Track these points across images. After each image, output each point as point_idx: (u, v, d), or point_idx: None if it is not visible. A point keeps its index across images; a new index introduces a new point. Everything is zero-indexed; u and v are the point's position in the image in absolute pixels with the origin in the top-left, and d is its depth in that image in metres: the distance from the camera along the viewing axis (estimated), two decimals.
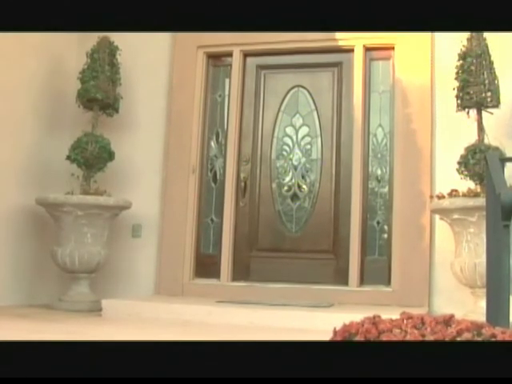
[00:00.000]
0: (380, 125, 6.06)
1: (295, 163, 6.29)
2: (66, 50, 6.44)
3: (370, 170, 6.03)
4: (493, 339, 2.06)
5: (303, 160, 6.28)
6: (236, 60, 6.38)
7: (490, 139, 5.20)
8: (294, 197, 6.27)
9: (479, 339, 2.07)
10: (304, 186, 6.26)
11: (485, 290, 3.61)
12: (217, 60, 6.52)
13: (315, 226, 6.17)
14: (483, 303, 3.67)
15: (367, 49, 6.10)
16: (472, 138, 5.23)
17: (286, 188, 6.30)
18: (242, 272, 6.30)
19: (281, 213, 6.27)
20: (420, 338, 2.07)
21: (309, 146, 6.28)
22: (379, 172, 6.02)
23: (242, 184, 6.31)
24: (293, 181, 6.28)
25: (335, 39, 6.06)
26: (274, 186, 6.31)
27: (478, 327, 2.13)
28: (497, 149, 5.03)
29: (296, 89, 6.39)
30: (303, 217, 6.22)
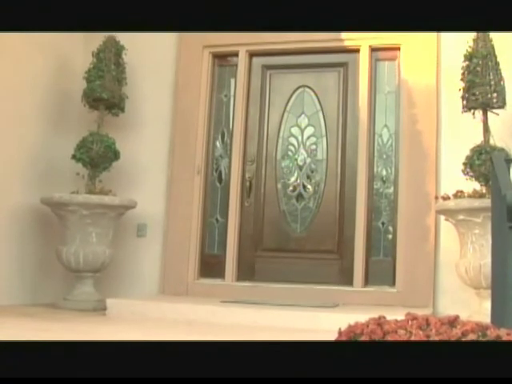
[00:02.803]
0: (385, 125, 6.05)
1: (300, 163, 6.29)
2: (73, 49, 6.45)
3: (375, 170, 6.02)
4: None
5: (308, 160, 6.28)
6: (242, 60, 6.38)
7: (496, 140, 5.19)
8: (299, 197, 6.27)
9: (484, 341, 2.07)
10: (309, 187, 6.26)
11: (490, 291, 3.61)
12: (222, 60, 6.52)
13: (320, 226, 6.16)
14: (488, 304, 3.65)
15: (373, 49, 6.09)
16: (477, 138, 5.22)
17: (291, 188, 6.30)
18: (246, 272, 6.31)
19: (286, 213, 6.27)
20: (425, 339, 2.06)
21: (314, 147, 6.28)
22: (384, 173, 6.02)
23: (247, 184, 6.31)
24: (298, 181, 6.28)
25: (341, 39, 6.05)
26: (279, 186, 6.31)
27: (482, 328, 2.13)
28: (502, 150, 5.02)
29: (302, 89, 6.38)
30: (308, 217, 6.22)
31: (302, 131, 6.33)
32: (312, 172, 6.27)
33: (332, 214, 6.14)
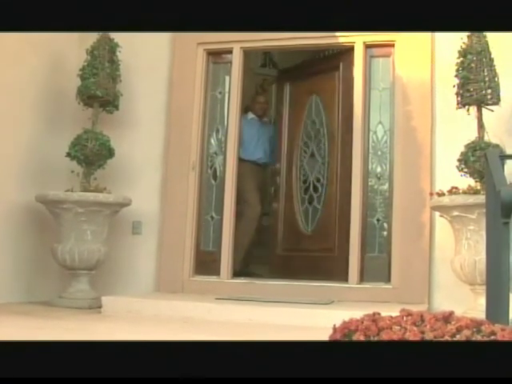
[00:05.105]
0: (380, 122, 6.03)
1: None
2: (67, 47, 6.43)
3: (370, 167, 6.00)
4: (492, 336, 2.06)
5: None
6: (236, 57, 6.36)
7: (490, 136, 5.19)
8: None
9: (479, 336, 2.07)
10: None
11: (485, 287, 3.61)
12: (217, 57, 6.50)
13: (320, 223, 6.18)
14: (483, 300, 3.66)
15: (367, 46, 6.07)
16: (472, 135, 5.22)
17: None
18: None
19: None
20: (419, 335, 2.07)
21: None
22: (379, 169, 5.99)
23: None
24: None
25: (335, 36, 6.03)
26: None
27: (477, 324, 2.13)
28: (497, 146, 5.03)
29: None
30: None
31: None
32: None
33: (331, 211, 6.16)
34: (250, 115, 7.19)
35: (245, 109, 6.83)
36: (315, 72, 6.65)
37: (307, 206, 6.41)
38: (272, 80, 8.36)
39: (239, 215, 6.42)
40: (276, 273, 6.42)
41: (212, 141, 6.43)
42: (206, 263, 6.23)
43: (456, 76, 5.32)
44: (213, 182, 6.37)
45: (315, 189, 6.38)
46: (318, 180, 6.36)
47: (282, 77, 7.28)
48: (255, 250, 6.85)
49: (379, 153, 6.00)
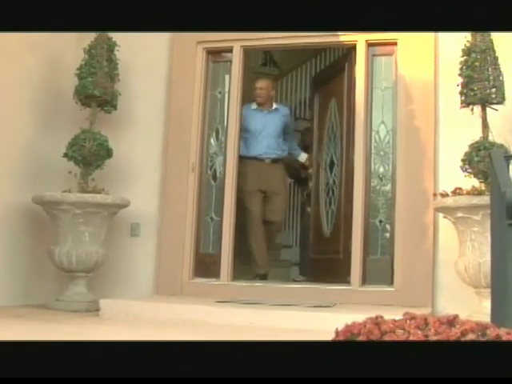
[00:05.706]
0: (382, 122, 5.95)
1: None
2: (64, 46, 6.38)
3: (372, 167, 5.92)
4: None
5: None
6: (236, 56, 6.30)
7: (495, 136, 5.13)
8: None
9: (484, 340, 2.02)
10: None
11: (489, 290, 3.56)
12: (217, 56, 6.44)
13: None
14: (488, 303, 3.60)
15: (370, 44, 6.00)
16: (476, 134, 5.17)
17: None
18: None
19: None
20: (423, 339, 2.01)
21: None
22: (382, 170, 5.92)
23: None
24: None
25: (337, 35, 5.97)
26: None
27: (482, 328, 2.08)
28: (501, 146, 4.97)
29: None
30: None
31: None
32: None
33: (340, 213, 6.11)
34: (254, 105, 6.93)
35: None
36: (333, 74, 6.64)
37: (328, 208, 6.40)
38: (272, 79, 8.28)
39: (239, 218, 6.35)
40: (308, 276, 6.42)
41: (212, 141, 6.36)
42: (205, 265, 6.16)
43: (460, 75, 5.27)
44: (212, 182, 6.30)
45: (332, 191, 6.36)
46: (334, 182, 6.35)
47: (313, 84, 7.26)
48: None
49: (382, 153, 5.93)
